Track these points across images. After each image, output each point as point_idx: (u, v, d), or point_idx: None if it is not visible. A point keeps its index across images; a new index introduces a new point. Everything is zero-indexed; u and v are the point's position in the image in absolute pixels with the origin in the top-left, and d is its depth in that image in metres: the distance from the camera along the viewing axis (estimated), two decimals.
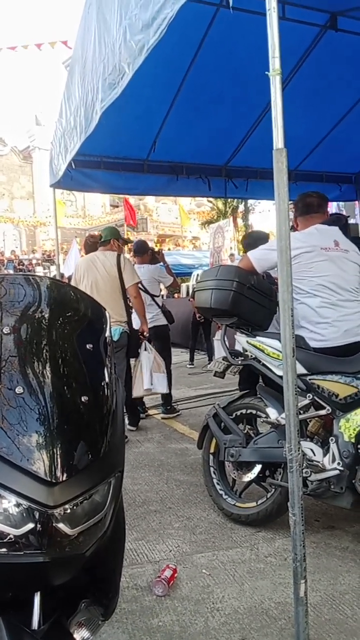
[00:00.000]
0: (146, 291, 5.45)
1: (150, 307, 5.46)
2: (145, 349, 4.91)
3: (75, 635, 1.29)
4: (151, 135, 5.21)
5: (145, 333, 4.85)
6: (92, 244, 5.05)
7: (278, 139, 1.85)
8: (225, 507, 3.07)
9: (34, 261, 27.74)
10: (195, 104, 4.74)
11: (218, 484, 3.15)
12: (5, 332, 1.29)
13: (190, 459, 4.20)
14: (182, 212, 28.26)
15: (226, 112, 4.94)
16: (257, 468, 2.96)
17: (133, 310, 4.75)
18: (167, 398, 5.64)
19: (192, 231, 32.68)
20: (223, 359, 3.20)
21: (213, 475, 3.18)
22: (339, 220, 3.13)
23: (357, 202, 7.77)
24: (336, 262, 2.90)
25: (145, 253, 5.80)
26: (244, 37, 3.85)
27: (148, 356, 4.88)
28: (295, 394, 1.97)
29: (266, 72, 1.86)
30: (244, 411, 3.12)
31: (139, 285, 5.42)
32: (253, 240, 4.03)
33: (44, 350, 1.30)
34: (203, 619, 2.18)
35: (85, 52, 3.68)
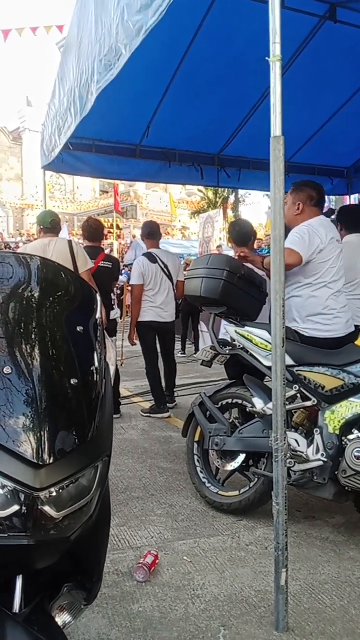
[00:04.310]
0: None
1: None
2: None
3: (56, 619, 1.28)
4: (145, 120, 5.13)
5: None
6: (95, 227, 4.99)
7: (276, 126, 1.83)
8: (207, 495, 3.08)
9: (20, 244, 27.42)
10: (190, 91, 4.67)
11: (201, 472, 3.16)
12: None
13: (174, 446, 4.20)
14: (171, 201, 28.09)
15: (221, 100, 4.87)
16: (241, 457, 2.98)
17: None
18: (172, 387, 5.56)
19: (181, 220, 32.52)
20: (211, 348, 3.19)
21: (197, 463, 3.19)
22: (331, 213, 3.16)
23: (345, 196, 7.77)
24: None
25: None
26: (242, 24, 3.80)
27: None
28: (283, 385, 1.97)
29: (266, 58, 1.84)
30: (229, 400, 3.12)
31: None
32: (240, 236, 3.92)
33: (33, 331, 1.27)
34: (183, 605, 2.18)
35: (81, 31, 3.60)
